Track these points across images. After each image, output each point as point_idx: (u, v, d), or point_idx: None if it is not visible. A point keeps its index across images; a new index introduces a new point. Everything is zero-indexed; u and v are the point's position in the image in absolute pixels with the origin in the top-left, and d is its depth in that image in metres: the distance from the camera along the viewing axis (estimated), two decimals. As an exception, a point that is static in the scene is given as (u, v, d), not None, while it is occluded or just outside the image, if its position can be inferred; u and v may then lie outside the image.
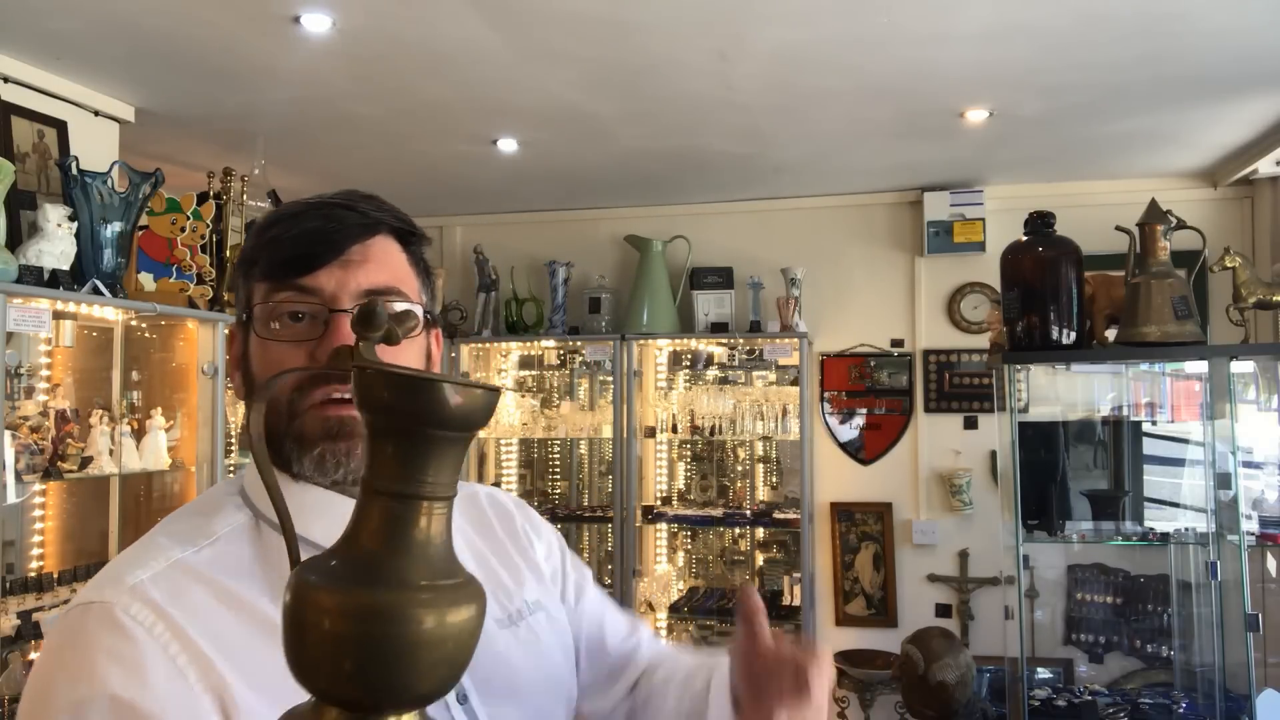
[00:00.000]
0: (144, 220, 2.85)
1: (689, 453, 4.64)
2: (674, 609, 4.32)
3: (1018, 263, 2.81)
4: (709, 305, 4.29)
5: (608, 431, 4.28)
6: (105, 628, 0.73)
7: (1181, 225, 2.71)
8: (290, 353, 0.84)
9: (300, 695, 0.75)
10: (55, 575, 2.59)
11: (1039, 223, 2.79)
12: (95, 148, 2.86)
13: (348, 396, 0.82)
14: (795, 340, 4.07)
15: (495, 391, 0.55)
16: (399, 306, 0.87)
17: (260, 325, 0.86)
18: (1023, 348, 2.76)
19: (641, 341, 4.24)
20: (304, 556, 0.83)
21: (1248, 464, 3.11)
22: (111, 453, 2.77)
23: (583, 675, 1.05)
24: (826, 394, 4.28)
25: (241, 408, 0.93)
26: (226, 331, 0.87)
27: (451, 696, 0.85)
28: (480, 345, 4.48)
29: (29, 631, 2.36)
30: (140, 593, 0.75)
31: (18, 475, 2.46)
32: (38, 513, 2.75)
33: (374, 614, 0.50)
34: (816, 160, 3.74)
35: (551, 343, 4.44)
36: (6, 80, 2.63)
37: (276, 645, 0.77)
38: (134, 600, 0.74)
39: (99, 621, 0.74)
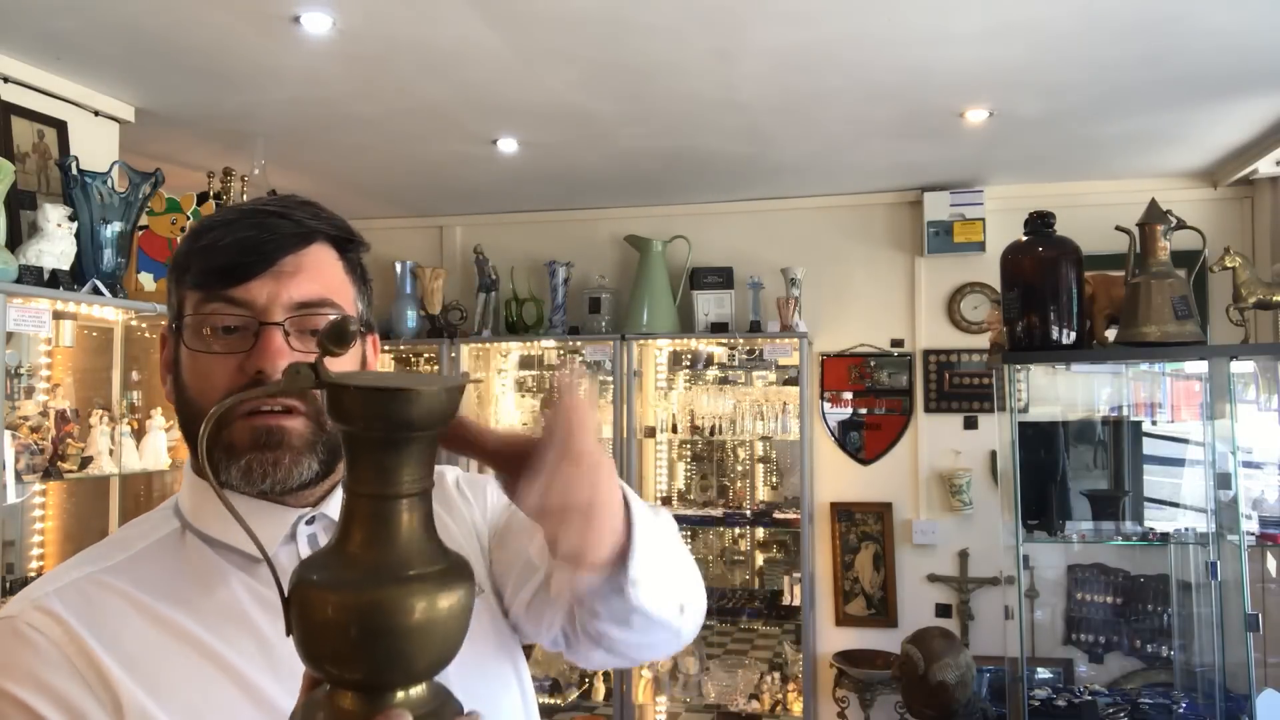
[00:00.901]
0: (144, 220, 2.86)
1: (689, 453, 4.63)
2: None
3: (1018, 263, 2.81)
4: (709, 305, 4.29)
5: (608, 431, 4.27)
6: (7, 639, 0.78)
7: (1181, 225, 2.71)
8: (220, 365, 0.83)
9: (203, 702, 0.77)
10: (55, 575, 2.58)
11: (1039, 223, 2.79)
12: (95, 148, 2.86)
13: (278, 408, 0.82)
14: (795, 340, 4.07)
15: (460, 386, 0.57)
16: (332, 318, 0.86)
17: (191, 336, 0.85)
18: (1023, 348, 2.77)
19: (641, 341, 4.24)
20: (235, 566, 0.85)
21: (1248, 464, 3.11)
22: (111, 453, 2.77)
23: (512, 582, 0.98)
24: (826, 394, 4.28)
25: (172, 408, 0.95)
26: (159, 335, 0.88)
27: None
28: (480, 345, 4.48)
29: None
30: (43, 605, 0.79)
31: (18, 475, 2.46)
32: (38, 513, 2.74)
33: (372, 608, 0.54)
34: (816, 160, 3.74)
35: (551, 343, 4.44)
36: (6, 80, 2.63)
37: (183, 653, 0.80)
38: (35, 612, 0.79)
39: (3, 634, 0.79)
